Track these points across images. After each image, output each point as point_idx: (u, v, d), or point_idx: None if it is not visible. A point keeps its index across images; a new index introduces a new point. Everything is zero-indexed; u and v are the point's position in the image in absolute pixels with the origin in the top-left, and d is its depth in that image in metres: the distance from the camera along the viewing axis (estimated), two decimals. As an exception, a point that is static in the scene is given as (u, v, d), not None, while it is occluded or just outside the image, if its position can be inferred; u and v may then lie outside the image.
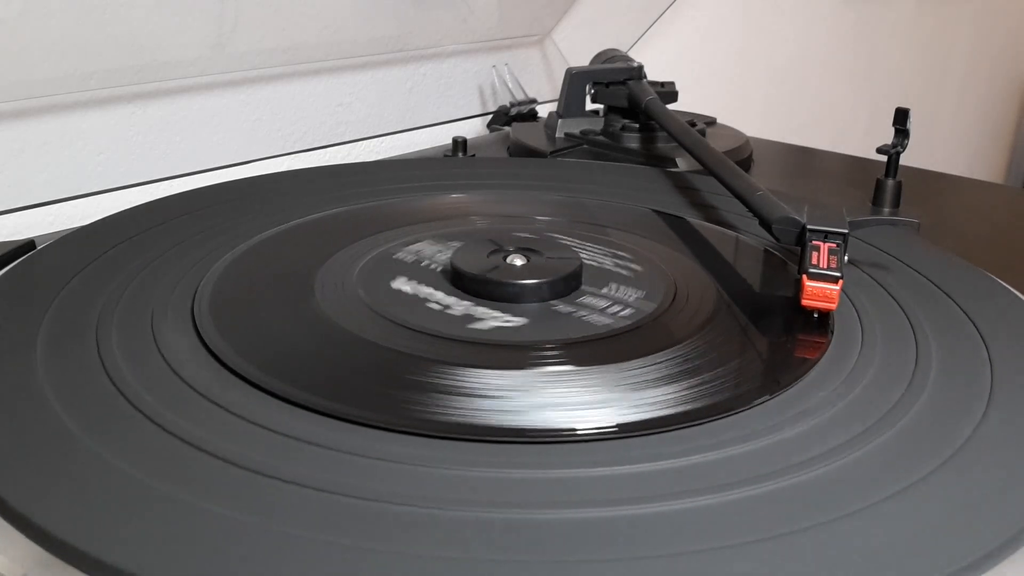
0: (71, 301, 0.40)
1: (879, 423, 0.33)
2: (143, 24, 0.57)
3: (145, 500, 0.28)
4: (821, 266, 0.41)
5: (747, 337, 0.41)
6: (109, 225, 0.50)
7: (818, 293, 0.41)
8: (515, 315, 0.40)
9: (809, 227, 0.43)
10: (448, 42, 0.80)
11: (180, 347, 0.37)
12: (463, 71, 0.83)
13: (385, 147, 0.78)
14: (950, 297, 0.44)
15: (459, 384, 0.35)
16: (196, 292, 0.42)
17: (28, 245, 0.47)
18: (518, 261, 0.44)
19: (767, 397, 0.35)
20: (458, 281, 0.43)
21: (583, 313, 0.41)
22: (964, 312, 0.42)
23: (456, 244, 0.46)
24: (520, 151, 0.72)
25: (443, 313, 0.41)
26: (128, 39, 0.57)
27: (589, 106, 0.74)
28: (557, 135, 0.73)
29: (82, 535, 0.26)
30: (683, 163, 0.66)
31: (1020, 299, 0.44)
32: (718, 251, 0.50)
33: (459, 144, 0.70)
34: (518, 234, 0.48)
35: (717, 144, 0.63)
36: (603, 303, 0.42)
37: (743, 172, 0.54)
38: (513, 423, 0.32)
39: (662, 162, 0.67)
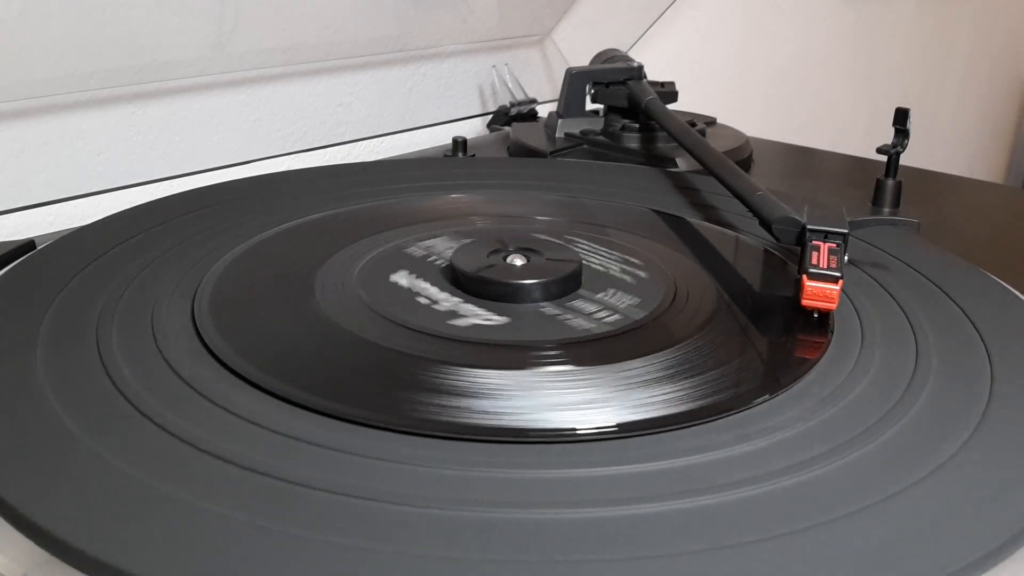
0: (71, 301, 0.40)
1: (879, 423, 0.33)
2: (143, 24, 0.57)
3: (145, 500, 0.28)
4: (821, 266, 0.41)
5: (747, 337, 0.41)
6: (109, 225, 0.50)
7: (818, 293, 0.41)
8: (499, 314, 0.40)
9: (809, 227, 0.43)
10: (448, 42, 0.80)
11: (180, 347, 0.37)
12: (463, 71, 0.83)
13: (385, 147, 0.78)
14: (950, 297, 0.44)
15: (459, 384, 0.35)
16: (196, 292, 0.42)
17: (28, 245, 0.47)
18: (518, 261, 0.44)
19: (767, 397, 0.35)
20: (452, 278, 0.43)
21: (568, 316, 0.41)
22: (964, 312, 0.42)
23: (468, 241, 0.47)
24: (520, 151, 0.72)
25: (428, 308, 0.41)
26: (128, 39, 0.57)
27: (589, 106, 0.74)
28: (557, 135, 0.73)
29: (82, 535, 0.26)
30: (683, 163, 0.66)
31: (1020, 299, 0.44)
32: (718, 251, 0.50)
33: (459, 144, 0.70)
34: (536, 235, 0.48)
35: (717, 144, 0.63)
36: (593, 307, 0.42)
37: (743, 172, 0.54)
38: (513, 423, 0.32)
39: (662, 162, 0.67)
